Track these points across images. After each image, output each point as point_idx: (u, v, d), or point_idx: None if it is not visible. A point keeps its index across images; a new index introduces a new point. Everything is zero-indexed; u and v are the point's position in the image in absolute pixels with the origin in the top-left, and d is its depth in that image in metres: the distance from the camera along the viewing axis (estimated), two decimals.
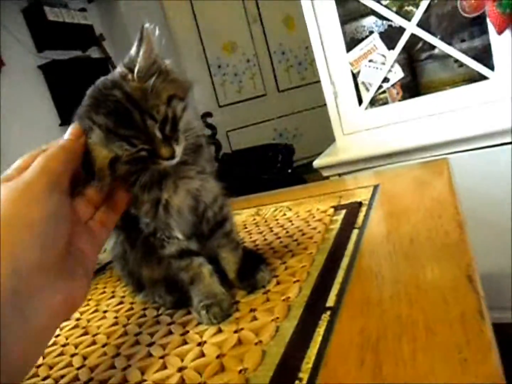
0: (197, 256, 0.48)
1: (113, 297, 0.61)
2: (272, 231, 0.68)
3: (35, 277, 0.32)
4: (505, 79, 1.35)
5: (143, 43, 0.41)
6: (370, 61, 1.57)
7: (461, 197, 0.65)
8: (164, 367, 0.39)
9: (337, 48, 1.58)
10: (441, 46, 1.45)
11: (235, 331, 0.41)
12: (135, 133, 0.40)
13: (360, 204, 0.69)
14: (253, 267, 0.50)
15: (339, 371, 0.33)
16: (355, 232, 0.59)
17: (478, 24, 1.43)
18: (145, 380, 0.38)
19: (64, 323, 0.56)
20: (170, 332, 0.45)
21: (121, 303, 0.58)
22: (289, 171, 2.88)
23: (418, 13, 1.44)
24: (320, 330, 0.38)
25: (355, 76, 1.60)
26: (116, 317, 0.53)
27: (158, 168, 0.42)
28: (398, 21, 1.49)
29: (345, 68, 1.59)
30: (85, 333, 0.51)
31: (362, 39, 1.58)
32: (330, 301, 0.42)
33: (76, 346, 0.48)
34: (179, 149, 0.42)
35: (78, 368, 0.43)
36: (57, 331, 0.54)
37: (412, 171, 0.89)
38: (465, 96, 1.44)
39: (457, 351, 0.30)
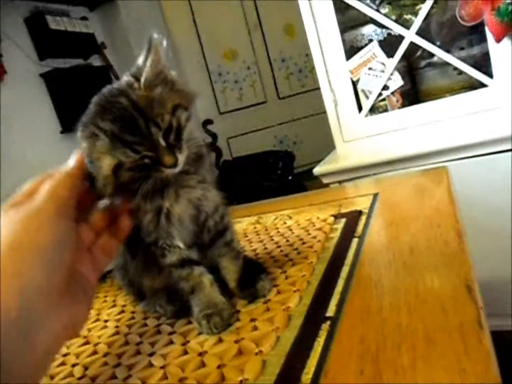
0: (197, 265, 0.49)
1: (114, 306, 0.61)
2: (272, 239, 0.68)
3: (41, 301, 0.33)
4: (504, 87, 1.36)
5: (151, 53, 0.42)
6: (370, 69, 1.58)
7: (460, 204, 0.65)
8: (165, 377, 0.40)
9: (336, 56, 1.59)
10: (440, 54, 1.46)
11: (236, 341, 0.41)
12: (139, 140, 0.40)
13: (360, 212, 0.70)
14: (253, 277, 0.50)
15: (339, 380, 0.33)
16: (355, 241, 0.59)
17: (476, 32, 1.44)
18: None
19: None
20: (171, 342, 0.45)
21: (122, 312, 0.58)
22: (290, 178, 2.89)
23: (417, 22, 1.46)
24: (320, 340, 0.38)
25: (354, 84, 1.61)
26: (117, 326, 0.53)
27: (161, 176, 0.43)
28: (397, 29, 1.50)
29: (344, 76, 1.60)
30: (86, 343, 0.51)
31: (362, 47, 1.59)
32: (330, 311, 0.42)
33: (77, 356, 0.49)
34: (181, 158, 0.43)
35: (79, 378, 0.44)
36: None
37: (411, 179, 0.90)
38: (464, 104, 1.44)
39: (456, 361, 0.30)
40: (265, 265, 0.57)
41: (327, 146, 1.77)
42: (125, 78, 0.44)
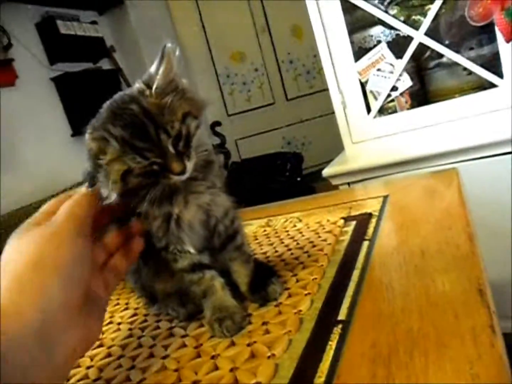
0: (209, 270, 0.49)
1: (126, 309, 0.62)
2: (282, 242, 0.68)
3: (60, 316, 0.35)
4: None
5: (164, 61, 0.42)
6: (378, 70, 1.57)
7: (470, 205, 0.65)
8: (178, 380, 0.40)
9: (345, 58, 1.59)
10: (449, 54, 1.45)
11: (248, 344, 0.42)
12: (149, 146, 0.41)
13: (370, 215, 0.70)
14: (264, 280, 0.50)
15: None
16: (366, 244, 0.59)
17: (486, 32, 1.43)
18: None
19: None
20: (184, 345, 0.46)
21: (135, 315, 0.59)
22: (298, 179, 2.89)
23: (426, 22, 1.45)
24: (332, 344, 0.38)
25: (363, 85, 1.60)
26: (130, 329, 0.54)
27: (169, 183, 0.43)
28: (406, 30, 1.49)
29: (353, 77, 1.60)
30: (100, 345, 0.52)
31: (370, 49, 1.59)
32: (342, 314, 0.43)
33: (91, 358, 0.49)
34: (190, 165, 0.43)
35: (95, 380, 0.44)
36: None
37: (421, 181, 0.89)
38: (474, 104, 1.43)
39: (469, 366, 0.31)
40: (276, 268, 0.57)
41: (336, 147, 1.77)
42: (137, 85, 0.44)
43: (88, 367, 0.47)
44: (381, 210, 0.72)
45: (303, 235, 0.69)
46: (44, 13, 2.62)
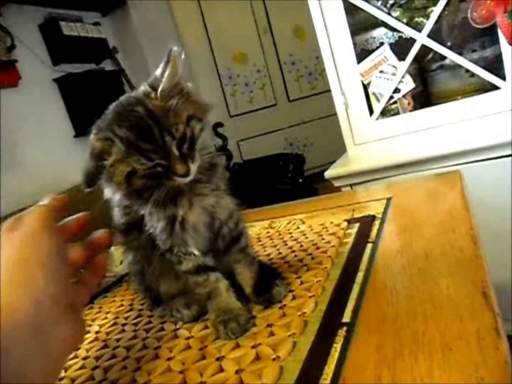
0: (213, 272, 0.50)
1: (131, 310, 0.62)
2: (286, 244, 0.68)
3: (51, 309, 0.36)
4: None
5: (169, 65, 0.43)
6: (381, 72, 1.58)
7: (473, 208, 0.65)
8: (184, 381, 0.40)
9: (347, 59, 1.59)
10: (452, 56, 1.45)
11: (253, 346, 0.42)
12: (153, 148, 0.41)
13: (373, 217, 0.70)
14: (268, 282, 0.51)
15: None
16: (369, 246, 0.59)
17: (489, 34, 1.43)
18: None
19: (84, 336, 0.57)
20: (188, 347, 0.46)
21: (139, 316, 0.59)
22: (300, 180, 2.89)
23: (429, 24, 1.45)
24: (337, 346, 0.38)
25: (365, 87, 1.61)
26: (135, 331, 0.54)
27: (173, 185, 0.44)
28: (408, 32, 1.50)
29: (355, 79, 1.60)
30: (105, 346, 0.52)
31: (373, 50, 1.59)
32: (346, 317, 0.43)
33: (97, 359, 0.50)
34: (194, 167, 0.44)
35: (100, 382, 0.45)
36: None
37: (424, 183, 0.90)
38: (476, 106, 1.43)
39: (474, 369, 0.31)
40: (280, 270, 0.57)
41: (338, 148, 1.77)
42: (143, 87, 0.45)
43: (94, 368, 0.48)
44: (385, 212, 0.72)
45: (306, 237, 0.69)
46: (47, 14, 2.62)
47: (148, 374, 0.43)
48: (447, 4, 1.43)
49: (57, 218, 0.42)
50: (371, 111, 1.61)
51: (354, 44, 1.59)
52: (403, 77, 1.54)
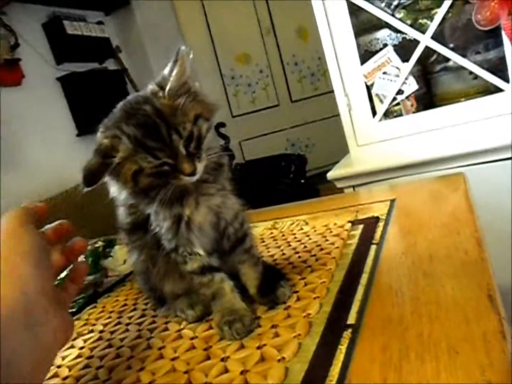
0: (218, 272, 0.50)
1: (134, 309, 0.62)
2: (290, 245, 0.68)
3: (41, 300, 0.37)
4: None
5: (177, 64, 0.43)
6: (384, 73, 1.57)
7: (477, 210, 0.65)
8: (189, 382, 0.40)
9: (351, 60, 1.59)
10: (456, 58, 1.45)
11: (258, 347, 0.42)
12: (160, 146, 0.41)
13: (377, 219, 0.70)
14: (273, 283, 0.51)
15: None
16: (373, 248, 0.59)
17: (493, 37, 1.43)
18: None
19: (88, 335, 0.58)
20: (193, 347, 0.46)
21: (143, 316, 0.59)
22: (302, 181, 2.88)
23: (433, 26, 1.45)
24: (342, 348, 0.38)
25: (369, 88, 1.61)
26: (139, 330, 0.54)
27: (179, 184, 0.44)
28: (412, 34, 1.49)
29: (359, 80, 1.60)
30: (109, 346, 0.52)
31: (376, 52, 1.59)
32: (351, 319, 0.43)
33: (101, 359, 0.50)
34: (200, 167, 0.44)
35: (104, 381, 0.45)
36: (81, 343, 0.55)
37: (428, 185, 0.90)
38: (480, 108, 1.43)
39: (480, 372, 0.31)
40: (284, 271, 0.57)
41: (340, 149, 1.77)
42: (151, 86, 0.45)
43: (98, 368, 0.48)
44: (388, 214, 0.72)
45: (310, 238, 0.69)
46: (51, 13, 2.63)
47: (152, 374, 0.43)
48: (451, 6, 1.43)
49: (33, 220, 0.43)
50: (374, 113, 1.61)
51: (358, 45, 1.58)
52: (406, 78, 1.54)
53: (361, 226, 0.69)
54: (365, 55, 1.61)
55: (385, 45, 1.58)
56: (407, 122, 1.56)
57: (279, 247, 0.69)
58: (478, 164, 1.34)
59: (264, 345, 0.42)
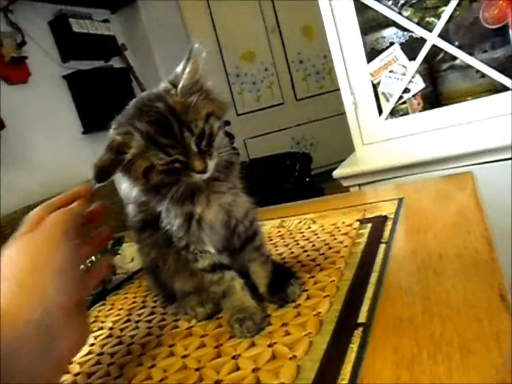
0: (228, 270, 0.50)
1: (144, 307, 0.63)
2: (298, 244, 0.69)
3: (61, 317, 0.37)
4: None
5: (190, 62, 0.43)
6: (391, 71, 1.57)
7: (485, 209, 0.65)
8: (200, 379, 0.41)
9: (357, 59, 1.58)
10: (463, 56, 1.44)
11: (269, 345, 0.42)
12: (172, 143, 0.42)
13: (385, 217, 0.70)
14: (283, 281, 0.51)
15: None
16: (382, 246, 0.59)
17: (500, 35, 1.42)
18: None
19: (98, 332, 0.58)
20: (203, 345, 0.46)
21: (152, 313, 0.59)
22: (307, 179, 2.88)
23: (440, 24, 1.44)
24: (354, 346, 0.39)
25: (375, 87, 1.60)
26: (149, 327, 0.54)
27: (190, 181, 0.44)
28: (419, 32, 1.49)
29: (365, 79, 1.59)
30: (120, 343, 0.53)
31: (383, 50, 1.58)
32: (362, 317, 0.43)
33: (112, 356, 0.50)
34: (211, 164, 0.44)
35: (116, 378, 0.45)
36: (92, 340, 0.56)
37: (436, 184, 0.89)
38: (487, 107, 1.42)
39: (495, 371, 0.31)
40: (293, 269, 0.57)
41: (344, 147, 1.77)
42: (163, 84, 0.45)
43: (109, 364, 0.48)
44: (397, 213, 0.72)
45: (318, 237, 0.69)
46: (57, 11, 2.64)
47: (164, 371, 0.43)
48: (458, 4, 1.42)
49: (78, 225, 0.43)
50: (380, 111, 1.60)
51: (364, 43, 1.58)
52: (413, 77, 1.53)
53: (369, 225, 0.69)
54: (372, 53, 1.60)
55: (392, 44, 1.58)
56: (413, 120, 1.55)
57: (287, 245, 0.69)
58: (485, 163, 1.33)
59: (275, 343, 0.42)
